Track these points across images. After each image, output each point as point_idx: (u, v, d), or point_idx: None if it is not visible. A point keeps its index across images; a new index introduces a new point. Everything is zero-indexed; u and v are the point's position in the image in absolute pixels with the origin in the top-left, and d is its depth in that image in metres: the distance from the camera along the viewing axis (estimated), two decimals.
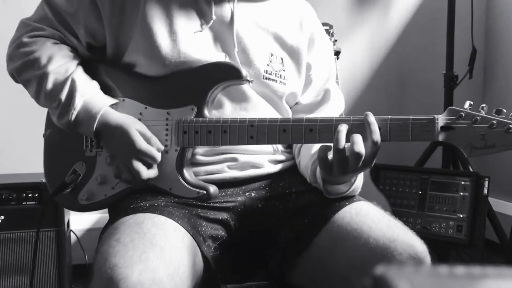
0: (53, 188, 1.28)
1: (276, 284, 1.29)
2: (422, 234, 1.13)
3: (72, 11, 1.25)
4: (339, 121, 1.11)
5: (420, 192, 2.38)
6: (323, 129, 1.11)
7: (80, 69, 1.23)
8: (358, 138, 1.06)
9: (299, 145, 1.31)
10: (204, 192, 1.17)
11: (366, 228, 1.09)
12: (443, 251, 2.35)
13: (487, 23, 2.94)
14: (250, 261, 1.26)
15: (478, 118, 1.05)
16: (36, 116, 1.53)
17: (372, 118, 1.08)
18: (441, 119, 1.07)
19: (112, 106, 1.21)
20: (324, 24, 2.10)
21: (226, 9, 1.25)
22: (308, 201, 1.21)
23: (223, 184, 1.22)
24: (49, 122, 1.31)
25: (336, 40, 2.28)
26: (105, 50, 1.28)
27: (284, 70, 1.28)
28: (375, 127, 1.07)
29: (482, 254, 2.25)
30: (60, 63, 1.21)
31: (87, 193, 1.25)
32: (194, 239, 1.09)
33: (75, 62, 1.24)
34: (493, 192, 2.49)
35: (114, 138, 1.18)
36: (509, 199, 2.73)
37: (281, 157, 1.31)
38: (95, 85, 1.23)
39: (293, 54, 1.30)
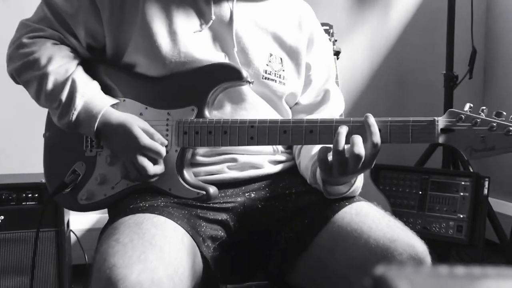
0: (53, 188, 1.28)
1: (276, 284, 1.29)
2: (422, 234, 1.13)
3: (72, 11, 1.24)
4: (339, 122, 1.11)
5: (420, 192, 2.38)
6: (323, 131, 1.11)
7: (80, 69, 1.23)
8: (358, 140, 1.06)
9: (299, 146, 1.30)
10: (204, 192, 1.17)
11: (366, 229, 1.09)
12: (443, 251, 2.35)
13: (487, 23, 2.94)
14: (250, 262, 1.26)
15: (478, 120, 1.05)
16: (36, 116, 1.53)
17: (372, 120, 1.08)
18: (441, 121, 1.07)
19: (112, 106, 1.21)
20: (324, 24, 2.10)
21: (225, 9, 1.25)
22: (308, 202, 1.21)
23: (223, 185, 1.21)
24: (49, 123, 1.31)
25: (336, 40, 2.28)
26: (105, 50, 1.28)
27: (283, 70, 1.28)
28: (375, 129, 1.07)
29: (482, 254, 2.25)
30: (60, 64, 1.21)
31: (86, 193, 1.25)
32: (194, 239, 1.09)
33: (75, 62, 1.24)
34: (493, 192, 2.49)
35: (116, 137, 1.18)
36: (509, 199, 2.73)
37: (281, 157, 1.31)
38: (95, 85, 1.23)
39: (292, 54, 1.30)
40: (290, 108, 1.34)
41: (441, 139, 1.07)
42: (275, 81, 1.26)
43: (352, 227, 1.11)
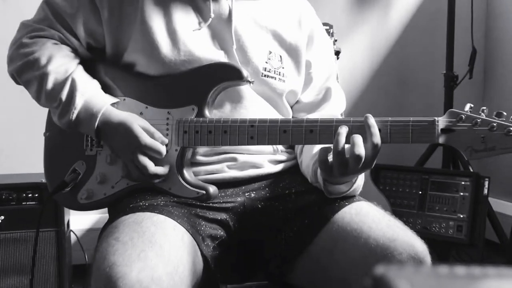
0: (53, 188, 1.28)
1: (276, 284, 1.29)
2: (422, 234, 1.13)
3: (72, 11, 1.25)
4: (339, 122, 1.10)
5: (420, 192, 2.38)
6: (324, 130, 1.11)
7: (80, 69, 1.23)
8: (358, 139, 1.06)
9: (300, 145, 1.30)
10: (204, 192, 1.17)
11: (366, 228, 1.09)
12: (443, 251, 2.35)
13: (487, 23, 2.94)
14: (250, 262, 1.26)
15: (479, 120, 1.05)
16: (36, 116, 1.53)
17: (372, 121, 1.07)
18: (441, 122, 1.07)
19: (113, 105, 1.21)
20: (324, 24, 2.09)
21: (224, 6, 1.25)
22: (308, 202, 1.20)
23: (222, 184, 1.21)
24: (49, 122, 1.31)
25: (336, 40, 2.28)
26: (105, 50, 1.27)
27: (283, 68, 1.27)
28: (375, 129, 1.07)
29: (482, 254, 2.25)
30: (60, 63, 1.21)
31: (86, 192, 1.25)
32: (194, 238, 1.09)
33: (75, 61, 1.24)
34: (493, 192, 2.49)
35: (117, 136, 1.18)
36: (509, 199, 2.73)
37: (282, 157, 1.31)
38: (95, 84, 1.23)
39: (292, 51, 1.30)
40: (291, 106, 1.34)
41: (441, 140, 1.07)
42: (275, 78, 1.26)
43: (352, 227, 1.11)
